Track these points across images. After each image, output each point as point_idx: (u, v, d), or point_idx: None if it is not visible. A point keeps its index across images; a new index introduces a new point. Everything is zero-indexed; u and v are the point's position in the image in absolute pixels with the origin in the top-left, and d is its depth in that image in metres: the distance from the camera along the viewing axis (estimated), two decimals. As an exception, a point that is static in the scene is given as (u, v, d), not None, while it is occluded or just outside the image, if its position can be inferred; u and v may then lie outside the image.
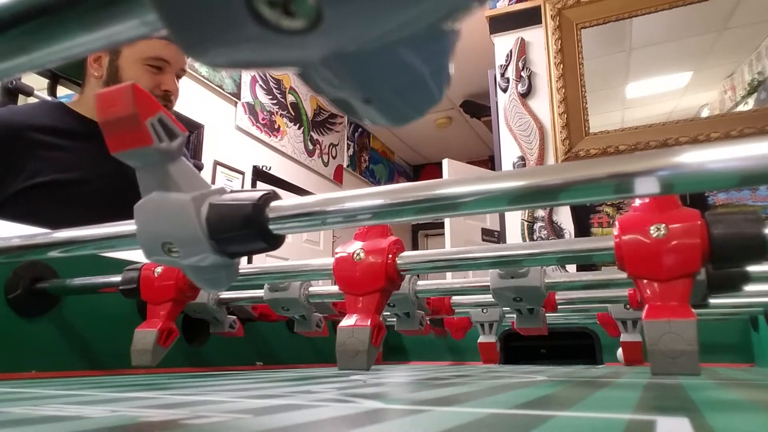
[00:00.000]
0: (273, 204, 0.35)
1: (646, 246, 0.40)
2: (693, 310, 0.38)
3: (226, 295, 0.78)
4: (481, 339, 0.87)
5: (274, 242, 0.34)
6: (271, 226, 0.34)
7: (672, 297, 0.39)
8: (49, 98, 1.29)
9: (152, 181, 0.34)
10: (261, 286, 0.73)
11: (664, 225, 0.40)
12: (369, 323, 0.48)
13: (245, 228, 0.33)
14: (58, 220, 0.66)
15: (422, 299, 0.76)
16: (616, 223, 0.43)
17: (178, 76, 1.06)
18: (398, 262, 0.52)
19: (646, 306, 0.39)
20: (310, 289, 0.73)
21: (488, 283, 0.60)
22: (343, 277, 0.53)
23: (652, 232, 0.40)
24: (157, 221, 0.34)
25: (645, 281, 0.40)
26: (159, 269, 0.63)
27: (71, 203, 0.94)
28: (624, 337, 0.79)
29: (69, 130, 1.01)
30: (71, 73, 1.14)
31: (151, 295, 0.62)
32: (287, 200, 0.35)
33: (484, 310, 0.85)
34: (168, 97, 1.03)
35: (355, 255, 0.52)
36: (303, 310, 0.73)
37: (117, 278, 0.65)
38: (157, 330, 0.59)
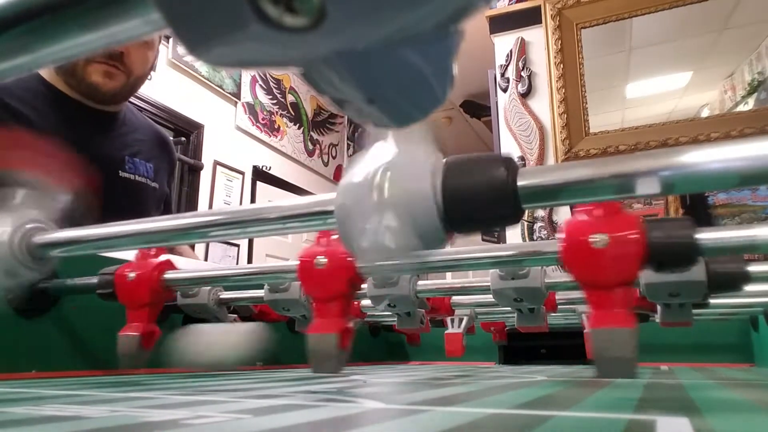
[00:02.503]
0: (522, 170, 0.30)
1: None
2: (634, 319, 0.39)
3: (226, 295, 0.78)
4: None
5: (517, 219, 0.30)
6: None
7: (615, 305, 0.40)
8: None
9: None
10: (261, 286, 0.73)
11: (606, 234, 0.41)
12: (336, 330, 0.49)
13: (495, 194, 0.28)
14: None
15: (422, 298, 0.76)
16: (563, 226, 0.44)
17: (146, 43, 0.94)
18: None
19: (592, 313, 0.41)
20: (310, 289, 0.73)
21: (488, 283, 0.60)
22: (308, 284, 0.54)
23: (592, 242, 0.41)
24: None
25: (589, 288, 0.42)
26: (132, 274, 0.64)
27: None
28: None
29: (36, 98, 0.90)
30: None
31: (128, 299, 0.63)
32: (530, 168, 0.31)
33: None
34: (114, 55, 0.90)
35: (316, 262, 0.53)
36: (303, 310, 0.73)
37: (117, 278, 0.65)
38: (139, 334, 0.60)
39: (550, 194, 0.30)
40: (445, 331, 0.92)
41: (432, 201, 0.28)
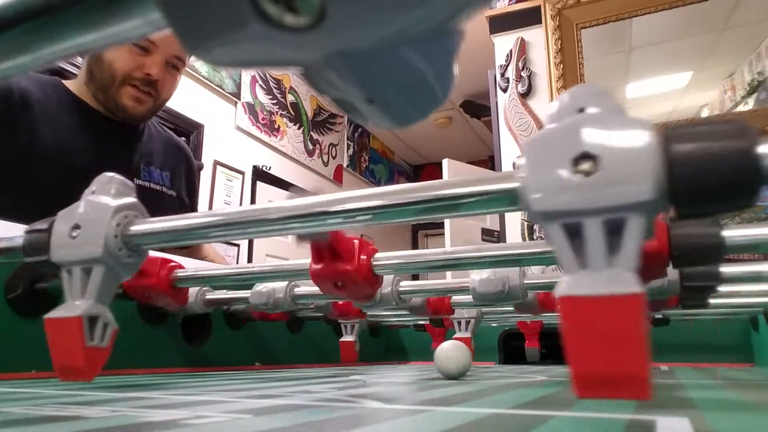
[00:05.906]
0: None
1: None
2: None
3: (213, 295, 0.76)
4: None
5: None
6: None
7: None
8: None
9: None
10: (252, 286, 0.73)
11: None
12: None
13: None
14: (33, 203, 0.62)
15: (405, 299, 0.76)
16: None
17: (174, 67, 0.96)
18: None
19: None
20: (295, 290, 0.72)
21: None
22: None
23: None
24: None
25: None
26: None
27: (48, 185, 0.83)
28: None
29: (60, 107, 0.91)
30: None
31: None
32: None
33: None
34: (150, 82, 0.93)
35: None
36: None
37: (117, 278, 0.65)
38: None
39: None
40: (453, 335, 0.92)
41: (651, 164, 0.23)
